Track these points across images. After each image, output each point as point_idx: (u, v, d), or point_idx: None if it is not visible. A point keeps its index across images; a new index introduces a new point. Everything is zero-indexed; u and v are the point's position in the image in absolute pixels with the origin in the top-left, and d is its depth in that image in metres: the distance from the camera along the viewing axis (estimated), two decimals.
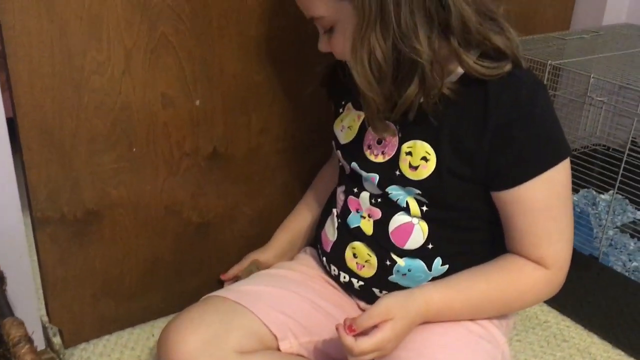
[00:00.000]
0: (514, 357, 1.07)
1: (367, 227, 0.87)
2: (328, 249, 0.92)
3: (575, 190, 1.36)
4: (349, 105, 0.90)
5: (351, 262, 0.89)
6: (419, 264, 0.85)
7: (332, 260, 0.92)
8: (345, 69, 0.85)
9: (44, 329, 1.01)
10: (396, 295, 0.78)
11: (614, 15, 1.48)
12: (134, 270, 1.05)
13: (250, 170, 1.10)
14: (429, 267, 0.85)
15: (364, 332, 0.75)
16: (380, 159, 0.84)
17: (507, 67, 0.75)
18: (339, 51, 0.79)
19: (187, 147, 1.02)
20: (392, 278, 0.86)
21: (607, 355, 1.08)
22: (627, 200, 1.37)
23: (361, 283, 0.89)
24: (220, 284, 1.08)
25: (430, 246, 0.84)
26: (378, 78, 0.74)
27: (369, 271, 0.88)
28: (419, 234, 0.84)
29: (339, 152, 0.91)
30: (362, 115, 0.87)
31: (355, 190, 0.88)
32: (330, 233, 0.92)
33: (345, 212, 0.90)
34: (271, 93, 1.06)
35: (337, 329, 0.77)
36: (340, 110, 0.92)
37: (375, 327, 0.75)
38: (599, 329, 1.10)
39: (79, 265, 1.00)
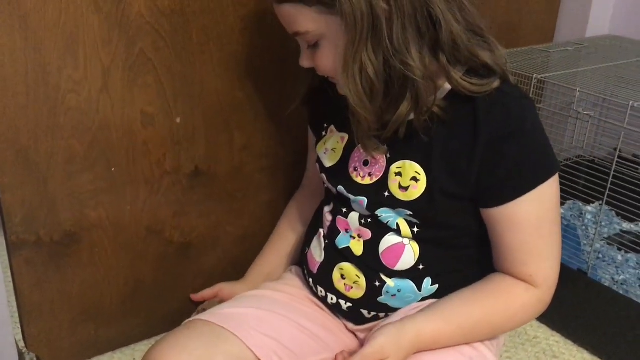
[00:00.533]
0: None
1: (357, 248, 0.85)
2: (315, 270, 0.90)
3: (561, 202, 1.35)
4: (332, 127, 0.89)
5: (339, 284, 0.87)
6: (409, 284, 0.83)
7: (319, 281, 0.90)
8: (330, 88, 0.83)
9: (21, 355, 0.98)
10: (388, 332, 0.76)
11: (597, 27, 1.49)
12: (114, 293, 1.02)
13: (233, 189, 1.08)
14: (419, 288, 0.83)
15: None
16: (367, 180, 0.83)
17: (495, 83, 0.75)
18: (324, 67, 0.78)
19: (168, 166, 0.99)
20: (382, 299, 0.85)
21: None
22: (613, 212, 1.37)
23: (349, 304, 0.87)
24: (194, 304, 1.05)
25: (420, 267, 0.83)
26: (370, 95, 0.73)
27: (357, 292, 0.86)
28: (410, 255, 0.82)
29: (323, 175, 0.89)
30: (346, 137, 0.86)
31: (344, 210, 0.86)
32: (317, 254, 0.90)
33: (333, 233, 0.88)
34: (254, 110, 1.04)
35: None
36: (323, 133, 0.90)
37: None
38: (589, 345, 1.09)
39: (56, 289, 0.96)
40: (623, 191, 1.19)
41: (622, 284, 1.21)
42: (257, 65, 1.01)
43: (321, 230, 0.91)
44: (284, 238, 1.05)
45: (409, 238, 0.82)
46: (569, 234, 1.27)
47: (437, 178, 0.77)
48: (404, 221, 0.81)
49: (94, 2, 0.84)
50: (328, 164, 0.87)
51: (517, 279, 0.80)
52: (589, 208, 1.37)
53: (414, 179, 0.79)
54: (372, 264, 0.84)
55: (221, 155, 1.04)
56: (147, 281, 1.05)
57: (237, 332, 0.81)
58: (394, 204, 0.80)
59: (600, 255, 1.25)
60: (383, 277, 0.84)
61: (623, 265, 1.23)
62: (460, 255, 0.84)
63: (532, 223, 0.77)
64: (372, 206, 0.82)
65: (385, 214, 0.81)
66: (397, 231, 0.82)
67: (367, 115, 0.74)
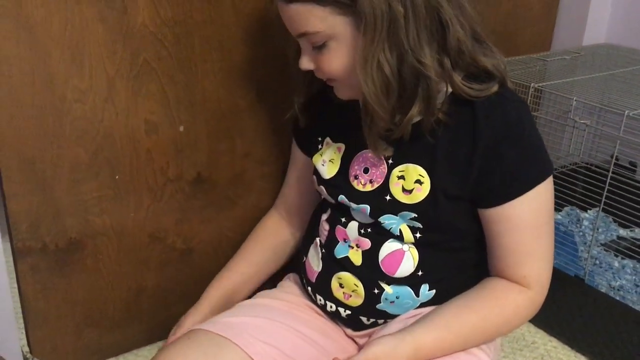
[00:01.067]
0: None
1: (356, 258, 0.86)
2: (313, 279, 0.91)
3: (558, 209, 1.37)
4: (327, 139, 0.90)
5: (337, 292, 0.88)
6: (407, 290, 0.84)
7: (318, 290, 0.91)
8: (331, 94, 0.85)
9: None
10: (386, 342, 0.76)
11: (593, 36, 1.50)
12: (117, 299, 1.04)
13: (234, 195, 1.09)
14: (417, 294, 0.85)
15: None
16: (368, 187, 0.84)
17: (494, 88, 0.77)
18: (330, 69, 0.77)
19: (170, 173, 1.01)
20: (380, 306, 0.86)
21: None
22: (610, 218, 1.38)
23: (348, 312, 0.88)
24: None
25: (419, 273, 0.84)
26: (386, 93, 0.74)
27: (356, 300, 0.87)
28: (409, 261, 0.84)
29: (322, 187, 0.89)
30: (343, 147, 0.87)
31: (343, 220, 0.87)
32: (315, 263, 0.91)
33: (331, 242, 0.89)
34: (255, 118, 1.06)
35: None
36: (319, 146, 0.91)
37: None
38: (587, 350, 1.10)
39: (61, 295, 0.98)
40: (620, 198, 1.21)
41: (618, 289, 1.22)
42: (258, 74, 1.03)
43: (317, 240, 0.91)
44: (249, 259, 1.01)
45: (409, 244, 0.83)
46: (567, 240, 1.29)
47: (441, 180, 0.79)
48: (406, 227, 0.82)
49: (98, 13, 0.86)
50: (327, 175, 0.88)
51: (510, 282, 0.81)
52: (586, 214, 1.38)
53: (418, 181, 0.80)
54: (371, 273, 0.85)
55: (223, 162, 1.06)
56: (150, 287, 1.07)
57: (237, 341, 0.82)
58: (397, 208, 0.81)
59: (597, 262, 1.27)
60: (382, 284, 0.85)
61: (619, 271, 1.25)
62: (457, 260, 0.86)
63: (529, 223, 0.79)
64: (375, 213, 0.83)
65: (388, 221, 0.83)
66: (399, 237, 0.83)
67: (383, 113, 0.75)
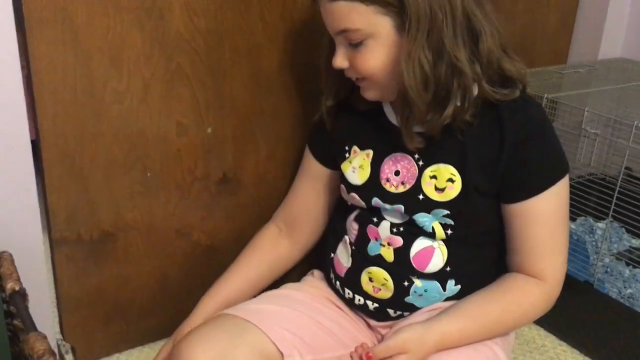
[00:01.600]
0: None
1: (388, 255, 0.90)
2: (342, 274, 0.95)
3: (572, 219, 1.40)
4: (355, 147, 0.94)
5: (367, 286, 0.92)
6: (435, 285, 0.89)
7: (347, 284, 0.95)
8: (357, 100, 0.89)
9: (57, 345, 1.05)
10: (414, 329, 0.81)
11: (609, 50, 1.54)
12: (144, 290, 1.09)
13: (257, 195, 1.15)
14: (444, 288, 0.90)
15: None
16: (401, 189, 0.89)
17: (517, 92, 0.84)
18: (367, 66, 0.82)
19: (198, 173, 1.07)
20: (409, 299, 0.90)
21: None
22: (623, 229, 1.41)
23: (376, 305, 0.93)
24: None
25: (448, 269, 0.89)
26: (424, 88, 0.79)
27: (385, 294, 0.91)
28: (439, 257, 0.89)
29: (353, 194, 0.92)
30: (371, 153, 0.91)
31: (375, 219, 0.91)
32: (344, 260, 0.95)
33: (362, 240, 0.93)
34: (278, 122, 1.11)
35: (351, 356, 0.82)
36: (347, 154, 0.95)
37: (390, 358, 0.80)
38: (595, 354, 1.13)
39: (93, 284, 1.04)
40: (633, 208, 1.24)
41: (628, 297, 1.25)
42: (282, 80, 1.09)
43: (346, 237, 0.95)
44: (244, 271, 1.02)
45: (439, 240, 0.88)
46: (579, 248, 1.32)
47: (472, 178, 0.85)
48: (438, 224, 0.87)
49: (137, 20, 0.92)
50: (359, 181, 0.91)
51: (528, 276, 0.87)
52: (600, 224, 1.41)
53: (450, 180, 0.86)
54: (401, 268, 0.90)
55: (247, 163, 1.11)
56: (175, 280, 1.12)
57: (261, 325, 0.86)
58: (430, 206, 0.86)
59: (609, 270, 1.29)
60: (412, 278, 0.89)
61: (630, 279, 1.27)
62: (482, 256, 0.91)
63: (550, 217, 0.85)
64: (410, 211, 0.88)
65: (421, 219, 0.87)
66: (431, 235, 0.88)
67: (421, 105, 0.80)
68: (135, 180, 1.01)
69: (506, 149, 0.83)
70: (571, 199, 1.29)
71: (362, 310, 0.96)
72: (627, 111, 1.20)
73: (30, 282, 0.87)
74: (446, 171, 0.86)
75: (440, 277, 0.89)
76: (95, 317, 1.06)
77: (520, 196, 0.85)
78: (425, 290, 0.90)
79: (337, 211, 1.01)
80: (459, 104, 0.81)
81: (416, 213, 0.87)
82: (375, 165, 0.91)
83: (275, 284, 1.05)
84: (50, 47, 0.87)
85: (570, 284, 1.18)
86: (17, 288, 0.78)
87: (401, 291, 0.90)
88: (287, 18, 1.05)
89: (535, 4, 1.43)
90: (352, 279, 0.94)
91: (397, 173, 0.89)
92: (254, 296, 1.02)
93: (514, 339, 0.97)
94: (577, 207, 1.34)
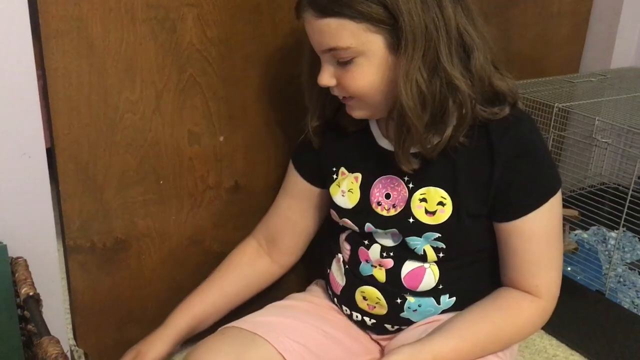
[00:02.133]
0: None
1: (380, 275, 0.90)
2: (338, 292, 0.96)
3: (585, 228, 1.39)
4: (342, 169, 0.92)
5: (362, 304, 0.93)
6: (429, 300, 0.89)
7: (343, 301, 0.96)
8: (345, 116, 0.87)
9: (71, 351, 1.06)
10: (405, 352, 0.79)
11: (622, 59, 1.53)
12: (157, 297, 1.10)
13: (268, 204, 1.14)
14: (438, 302, 0.89)
15: None
16: (392, 212, 0.87)
17: (507, 109, 0.81)
18: (356, 85, 0.79)
19: (210, 181, 1.08)
20: (404, 314, 0.90)
21: None
22: (636, 238, 1.40)
23: (373, 321, 0.93)
24: None
25: (440, 287, 0.88)
26: (422, 107, 0.77)
27: (380, 310, 0.91)
28: (430, 277, 0.88)
29: (345, 219, 0.91)
30: (359, 176, 0.90)
31: (366, 242, 0.91)
32: (339, 277, 0.95)
33: (354, 261, 0.93)
34: (289, 131, 1.12)
35: None
36: (334, 176, 0.93)
37: None
38: None
39: (106, 291, 1.05)
40: None
41: None
42: (293, 90, 1.09)
43: (340, 256, 0.95)
44: (222, 286, 1.01)
45: (431, 262, 0.87)
46: (591, 257, 1.31)
47: (463, 201, 0.83)
48: (430, 247, 0.86)
49: (151, 32, 0.94)
50: (349, 205, 0.90)
51: (523, 292, 0.85)
52: (612, 234, 1.40)
53: (441, 203, 0.84)
54: (393, 288, 0.89)
55: (259, 172, 1.12)
56: (187, 288, 1.12)
57: (268, 338, 0.86)
58: (421, 229, 0.85)
59: (621, 279, 1.28)
60: (405, 296, 0.89)
61: None
62: (475, 271, 0.90)
63: (542, 235, 0.83)
64: (403, 235, 0.87)
65: (412, 242, 0.86)
66: (422, 257, 0.87)
67: (419, 126, 0.77)
68: (148, 189, 1.02)
69: (497, 169, 0.81)
70: (583, 208, 1.30)
71: (360, 325, 0.96)
72: (639, 120, 1.19)
73: (44, 289, 0.88)
74: (436, 194, 0.84)
75: (434, 293, 0.89)
76: (108, 324, 1.07)
77: (512, 215, 0.83)
78: (420, 306, 0.89)
79: (330, 228, 0.99)
80: (455, 123, 0.79)
81: (408, 236, 0.86)
82: (365, 189, 0.89)
83: (257, 299, 1.04)
84: (65, 57, 0.89)
85: (582, 293, 1.18)
86: (31, 293, 0.79)
87: (395, 308, 0.90)
88: (299, 28, 1.05)
89: (547, 13, 1.43)
90: (347, 297, 0.94)
91: (387, 196, 0.88)
92: (227, 312, 1.00)
93: (517, 348, 0.96)
94: (589, 217, 1.33)
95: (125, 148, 0.98)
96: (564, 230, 1.34)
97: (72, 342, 1.07)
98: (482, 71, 0.79)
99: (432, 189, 0.85)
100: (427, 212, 0.85)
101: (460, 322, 0.84)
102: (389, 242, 0.89)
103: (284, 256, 1.04)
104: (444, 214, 0.84)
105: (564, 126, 1.30)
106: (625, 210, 1.14)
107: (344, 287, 0.94)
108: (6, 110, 0.85)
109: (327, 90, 0.84)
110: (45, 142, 0.91)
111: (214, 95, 1.03)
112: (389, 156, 0.85)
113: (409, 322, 0.91)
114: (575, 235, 1.38)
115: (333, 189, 0.92)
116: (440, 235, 0.84)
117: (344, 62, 0.78)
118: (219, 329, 0.93)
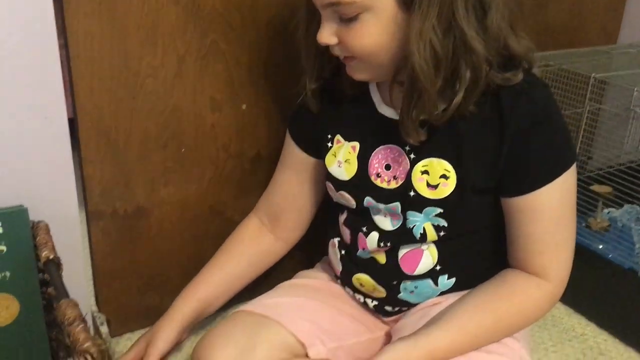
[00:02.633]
0: None
1: (379, 258, 0.87)
2: (338, 275, 0.94)
3: (619, 205, 1.34)
4: (338, 137, 0.87)
5: (361, 289, 0.91)
6: (426, 282, 0.86)
7: (344, 284, 0.94)
8: (344, 79, 0.81)
9: (92, 317, 1.07)
10: (399, 349, 0.76)
11: None
12: (177, 266, 1.10)
13: None
14: (435, 284, 0.86)
15: None
16: (393, 184, 0.82)
17: (520, 75, 0.75)
18: (361, 43, 0.72)
19: (232, 150, 1.06)
20: (401, 296, 0.87)
21: None
22: None
23: (375, 303, 0.91)
24: None
25: (438, 268, 0.84)
26: (436, 70, 0.70)
27: (379, 294, 0.89)
28: (428, 259, 0.84)
29: (343, 192, 0.86)
30: (357, 145, 0.84)
31: (365, 229, 0.86)
32: (335, 263, 0.93)
33: (353, 248, 0.89)
34: None
35: None
36: (329, 144, 0.87)
37: None
38: (637, 344, 1.09)
39: (127, 258, 1.05)
40: None
41: None
42: None
43: (335, 240, 0.92)
44: (224, 270, 0.98)
45: (430, 242, 0.82)
46: (624, 235, 1.27)
47: (468, 174, 0.77)
48: (430, 225, 0.81)
49: None
50: (346, 176, 0.85)
51: (529, 275, 0.80)
52: None
53: (444, 176, 0.78)
54: (390, 273, 0.86)
55: (281, 142, 1.10)
56: (208, 257, 1.11)
57: (279, 319, 0.84)
58: (422, 204, 0.80)
59: None
60: (401, 278, 0.86)
61: None
62: (476, 250, 0.85)
63: (554, 212, 0.77)
64: (403, 209, 0.82)
65: (412, 217, 0.81)
66: (421, 238, 0.81)
67: (432, 92, 0.71)
68: (169, 156, 1.01)
69: (507, 140, 0.74)
70: (618, 184, 1.25)
71: (365, 307, 0.94)
72: None
73: (66, 254, 0.88)
74: (439, 166, 0.78)
75: (430, 275, 0.85)
76: (129, 291, 1.08)
77: (521, 189, 0.76)
78: (416, 287, 0.86)
79: (327, 208, 0.95)
80: (467, 88, 0.72)
81: (408, 211, 0.81)
82: (363, 160, 0.83)
83: (260, 279, 1.03)
84: (87, 20, 0.87)
85: (614, 271, 1.14)
86: (51, 256, 0.79)
87: (392, 289, 0.87)
88: None
89: None
90: (346, 281, 0.93)
91: (387, 167, 0.82)
92: (234, 294, 0.98)
93: (529, 329, 0.90)
94: (624, 193, 1.28)
95: (146, 114, 0.97)
96: (596, 207, 1.30)
97: (95, 307, 1.08)
98: (498, 31, 0.72)
99: (435, 160, 0.79)
100: (428, 185, 0.79)
101: (460, 311, 0.79)
102: (387, 226, 0.84)
103: (287, 232, 1.00)
104: (447, 187, 0.78)
105: (601, 97, 1.25)
106: None
107: (341, 272, 0.93)
108: (27, 72, 0.84)
109: (325, 49, 0.78)
110: (67, 112, 0.90)
111: (237, 62, 1.00)
112: (390, 125, 0.80)
113: (407, 304, 0.88)
114: (608, 212, 1.33)
115: (329, 159, 0.87)
116: (442, 210, 0.79)
117: (347, 19, 0.72)
118: (230, 313, 0.91)
